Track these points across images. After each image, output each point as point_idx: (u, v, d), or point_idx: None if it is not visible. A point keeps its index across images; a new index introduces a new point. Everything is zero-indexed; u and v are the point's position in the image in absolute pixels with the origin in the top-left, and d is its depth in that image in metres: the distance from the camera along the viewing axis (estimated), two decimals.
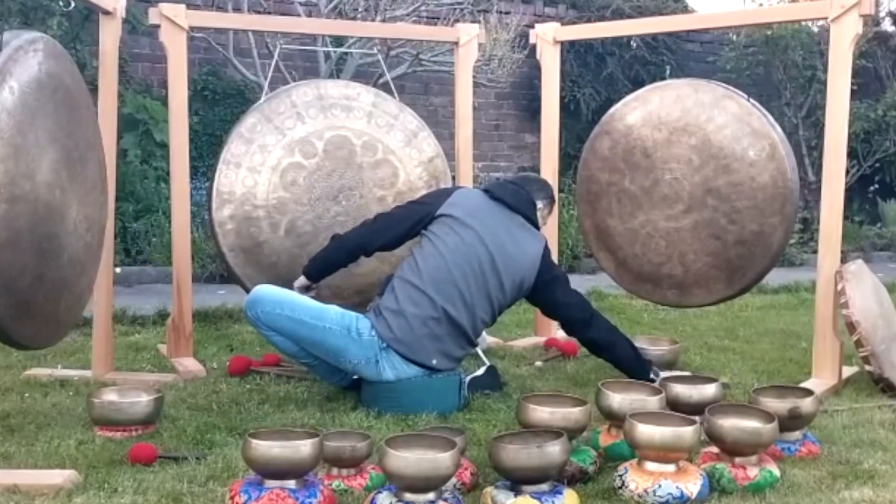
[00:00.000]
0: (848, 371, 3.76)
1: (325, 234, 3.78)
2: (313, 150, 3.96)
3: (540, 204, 3.59)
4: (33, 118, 2.68)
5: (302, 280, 3.51)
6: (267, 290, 3.29)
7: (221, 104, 7.76)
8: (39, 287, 2.75)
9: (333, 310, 3.27)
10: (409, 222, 3.43)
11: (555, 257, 4.59)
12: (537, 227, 3.53)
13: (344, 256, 3.50)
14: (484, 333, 4.20)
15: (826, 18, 3.62)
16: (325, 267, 3.51)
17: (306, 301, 3.29)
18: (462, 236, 3.32)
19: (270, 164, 3.91)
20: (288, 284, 3.46)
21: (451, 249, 3.29)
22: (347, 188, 4.00)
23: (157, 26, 3.83)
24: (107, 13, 3.62)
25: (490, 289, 3.33)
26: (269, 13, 7.52)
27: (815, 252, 3.82)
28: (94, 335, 3.72)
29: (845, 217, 3.83)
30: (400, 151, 4.10)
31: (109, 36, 3.65)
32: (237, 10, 7.23)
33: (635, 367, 3.46)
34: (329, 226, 3.91)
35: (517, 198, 3.50)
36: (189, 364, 3.81)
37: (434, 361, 3.23)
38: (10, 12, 6.13)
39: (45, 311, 2.85)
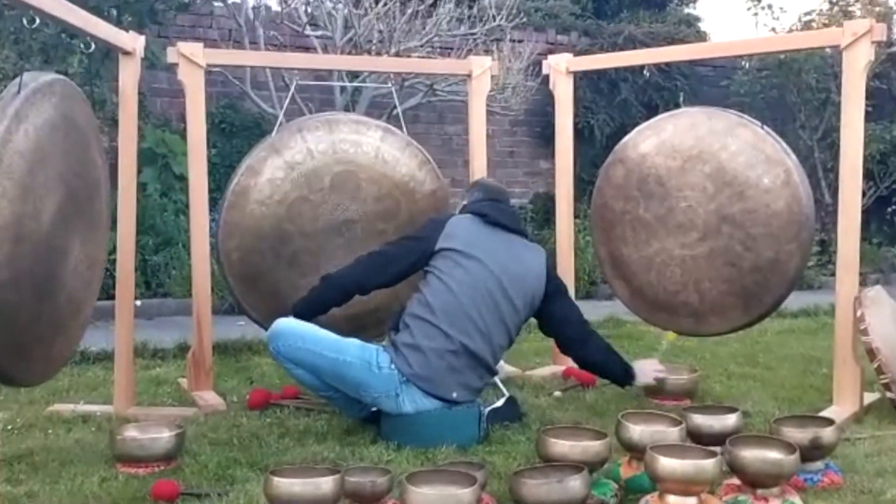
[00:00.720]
0: (869, 397, 3.73)
1: (325, 266, 3.78)
2: (320, 184, 4.00)
3: None
4: (45, 160, 2.72)
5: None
6: (288, 324, 3.30)
7: (239, 136, 7.85)
8: (36, 326, 2.77)
9: (354, 343, 3.28)
10: (408, 260, 3.40)
11: (571, 283, 4.63)
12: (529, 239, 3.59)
13: (339, 296, 3.43)
14: (502, 362, 4.22)
15: (838, 46, 3.63)
16: (318, 307, 3.43)
17: (327, 334, 3.30)
18: (467, 268, 3.32)
19: (277, 197, 3.94)
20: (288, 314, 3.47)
21: (459, 283, 3.29)
22: (350, 221, 4.02)
23: (176, 65, 3.90)
24: (126, 53, 3.68)
25: (504, 314, 3.35)
26: (286, 47, 7.64)
27: (834, 275, 3.81)
28: (116, 370, 3.75)
29: (863, 239, 3.83)
30: (403, 185, 4.13)
31: (129, 75, 3.72)
32: (253, 43, 7.34)
33: (621, 379, 3.58)
34: (330, 258, 3.91)
35: (511, 217, 3.54)
36: (209, 398, 3.83)
37: (454, 395, 3.24)
38: (32, 51, 6.23)
39: (39, 350, 2.87)
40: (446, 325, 3.25)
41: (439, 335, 3.24)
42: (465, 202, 3.65)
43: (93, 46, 3.52)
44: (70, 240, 2.90)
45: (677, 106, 4.52)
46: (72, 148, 2.90)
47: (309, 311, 3.41)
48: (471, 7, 7.70)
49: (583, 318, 3.58)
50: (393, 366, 3.21)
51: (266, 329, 3.56)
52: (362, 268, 3.43)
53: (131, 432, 3.06)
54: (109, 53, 6.16)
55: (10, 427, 3.42)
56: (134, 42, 3.69)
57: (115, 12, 6.47)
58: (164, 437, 3.00)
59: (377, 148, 4.11)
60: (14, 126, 2.57)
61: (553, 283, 3.50)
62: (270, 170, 3.96)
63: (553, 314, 3.51)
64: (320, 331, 3.31)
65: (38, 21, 2.90)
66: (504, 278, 3.34)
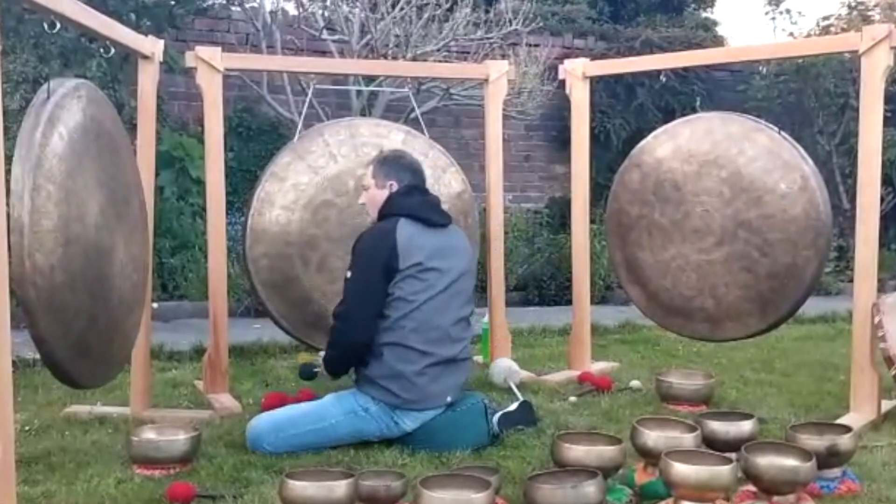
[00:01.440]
0: (887, 405, 3.71)
1: None
2: (345, 188, 4.02)
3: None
4: (80, 162, 2.75)
5: None
6: (260, 422, 3.21)
7: (256, 140, 7.89)
8: (94, 328, 2.81)
9: (330, 402, 3.22)
10: (382, 294, 3.22)
11: (586, 288, 4.62)
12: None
13: (356, 357, 3.28)
14: (516, 367, 4.22)
15: (857, 51, 3.61)
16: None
17: (301, 410, 3.26)
18: (428, 281, 3.25)
19: (303, 202, 3.97)
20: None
21: (424, 297, 3.23)
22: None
23: (194, 69, 3.93)
24: (145, 57, 3.71)
25: (465, 300, 3.39)
26: (303, 51, 7.66)
27: (851, 281, 3.79)
28: (133, 372, 3.77)
29: (881, 245, 3.81)
30: (430, 188, 4.13)
31: (148, 79, 3.75)
32: (271, 48, 7.37)
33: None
34: None
35: (441, 212, 3.43)
36: (225, 400, 3.85)
37: (448, 398, 3.27)
38: (51, 55, 6.28)
39: (100, 352, 2.91)
40: (420, 343, 3.21)
41: (415, 355, 3.21)
42: (393, 189, 3.39)
43: (112, 51, 3.54)
44: (114, 242, 2.93)
45: (694, 111, 4.52)
46: (104, 150, 2.93)
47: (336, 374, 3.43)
48: (487, 11, 7.70)
49: None
50: (378, 402, 3.20)
51: (292, 336, 3.57)
52: (352, 325, 3.24)
53: (147, 434, 3.08)
54: (128, 58, 6.21)
55: (27, 428, 3.45)
56: (153, 46, 3.72)
57: (133, 17, 6.52)
58: (179, 439, 3.01)
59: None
60: (48, 130, 2.59)
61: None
62: (294, 175, 3.99)
63: None
64: (292, 409, 3.27)
65: (58, 25, 2.92)
66: (458, 274, 3.34)
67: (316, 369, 3.55)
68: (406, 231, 3.26)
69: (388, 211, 3.36)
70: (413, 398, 3.20)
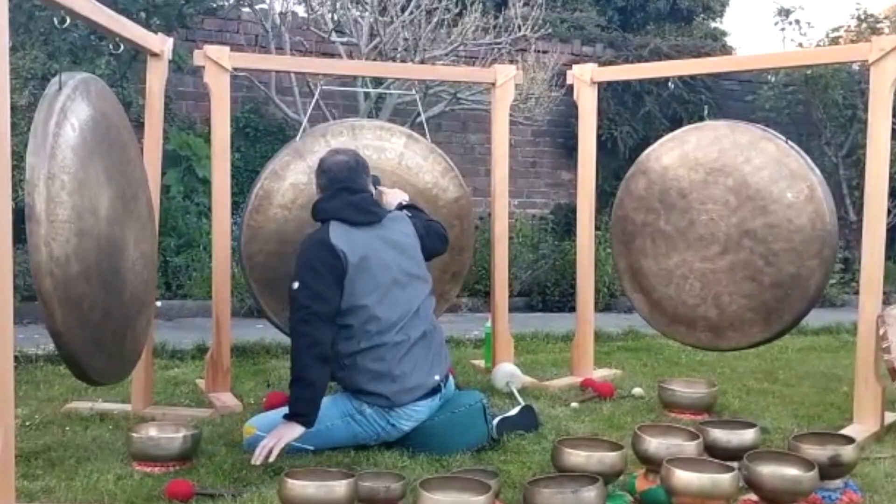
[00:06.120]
0: (890, 417, 3.69)
1: None
2: None
3: (374, 190, 3.52)
4: (91, 155, 2.75)
5: (296, 432, 3.02)
6: (258, 424, 3.16)
7: (262, 141, 7.90)
8: (108, 322, 2.81)
9: (325, 406, 3.15)
10: (335, 296, 3.14)
11: (590, 295, 4.61)
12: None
13: (327, 371, 3.13)
14: (519, 372, 4.21)
15: (866, 61, 3.61)
16: (319, 398, 3.09)
17: None
18: (375, 278, 3.21)
19: (301, 202, 3.96)
20: None
21: (378, 298, 3.20)
22: None
23: (202, 68, 3.93)
24: (154, 55, 3.71)
25: (420, 283, 3.37)
26: (311, 53, 7.68)
27: (857, 293, 3.77)
28: (134, 369, 3.76)
29: (887, 257, 3.79)
30: (426, 192, 4.14)
31: (156, 76, 3.75)
32: (279, 49, 7.38)
33: None
34: None
35: (369, 211, 3.35)
36: (226, 399, 3.85)
37: (436, 377, 3.26)
38: (61, 52, 6.31)
39: (113, 347, 2.91)
40: (390, 336, 3.20)
41: (385, 350, 3.19)
42: (319, 195, 3.41)
43: (121, 48, 3.55)
44: (125, 236, 2.93)
45: (702, 119, 4.51)
46: (113, 145, 2.93)
47: (314, 410, 3.07)
48: (496, 17, 7.71)
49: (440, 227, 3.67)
50: (370, 405, 3.19)
51: (285, 333, 3.53)
52: (313, 328, 3.08)
53: (148, 431, 3.07)
54: (137, 56, 6.24)
55: (28, 423, 3.45)
56: (162, 44, 3.72)
57: (143, 15, 6.54)
58: (180, 437, 3.01)
59: (400, 154, 4.13)
60: (61, 120, 2.59)
61: (419, 231, 3.49)
62: (294, 174, 3.98)
63: (425, 245, 3.50)
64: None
65: (67, 22, 2.93)
66: (401, 266, 3.31)
67: None
68: (339, 231, 3.24)
69: (319, 217, 3.36)
70: (400, 390, 3.18)
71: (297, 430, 3.01)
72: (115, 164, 2.92)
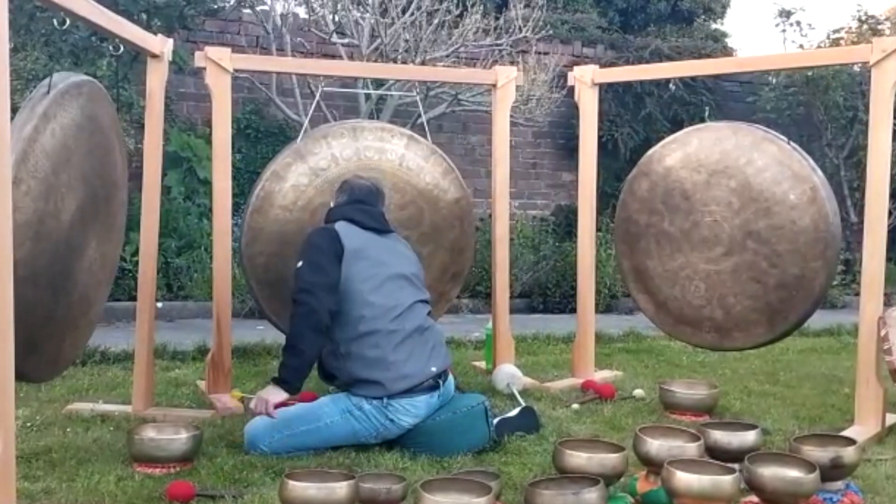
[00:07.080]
0: (892, 418, 3.68)
1: None
2: None
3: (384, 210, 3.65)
4: (69, 160, 2.76)
5: (280, 396, 3.18)
6: (255, 425, 3.20)
7: (263, 142, 7.90)
8: (50, 323, 2.80)
9: (325, 402, 3.23)
10: (335, 271, 3.26)
11: (591, 296, 4.61)
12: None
13: (320, 344, 3.21)
14: (519, 373, 4.20)
15: (867, 63, 3.60)
16: (307, 369, 3.23)
17: (296, 411, 3.25)
18: (373, 268, 3.32)
19: (301, 203, 3.95)
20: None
21: (375, 284, 3.28)
22: None
23: (203, 69, 3.93)
24: (154, 56, 3.71)
25: (417, 289, 3.43)
26: (312, 54, 7.68)
27: (858, 294, 3.77)
28: (136, 370, 3.77)
29: (888, 259, 3.79)
30: (427, 193, 4.14)
31: (156, 77, 3.75)
32: (280, 50, 7.39)
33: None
34: None
35: (379, 220, 3.51)
36: (227, 400, 3.84)
37: (433, 369, 3.27)
38: (62, 53, 6.31)
39: (50, 347, 2.89)
40: (385, 324, 3.24)
41: (382, 338, 3.23)
42: (332, 204, 3.60)
43: (122, 49, 3.55)
44: (87, 238, 2.93)
45: (703, 121, 4.51)
46: (95, 148, 2.93)
47: (300, 377, 3.21)
48: (497, 18, 7.71)
49: None
50: (371, 400, 3.19)
51: (286, 334, 3.56)
52: (313, 298, 3.17)
53: (149, 433, 3.07)
54: (138, 57, 6.23)
55: (28, 424, 3.45)
56: (162, 45, 3.72)
57: (144, 17, 6.54)
58: (180, 438, 3.01)
59: (401, 155, 4.13)
60: (42, 125, 2.60)
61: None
62: (295, 175, 3.98)
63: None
64: (287, 410, 3.24)
65: (68, 23, 2.93)
66: (401, 273, 3.39)
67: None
68: (345, 227, 3.40)
69: (331, 218, 3.51)
70: (396, 377, 3.18)
71: (281, 394, 3.18)
72: (93, 167, 2.92)
